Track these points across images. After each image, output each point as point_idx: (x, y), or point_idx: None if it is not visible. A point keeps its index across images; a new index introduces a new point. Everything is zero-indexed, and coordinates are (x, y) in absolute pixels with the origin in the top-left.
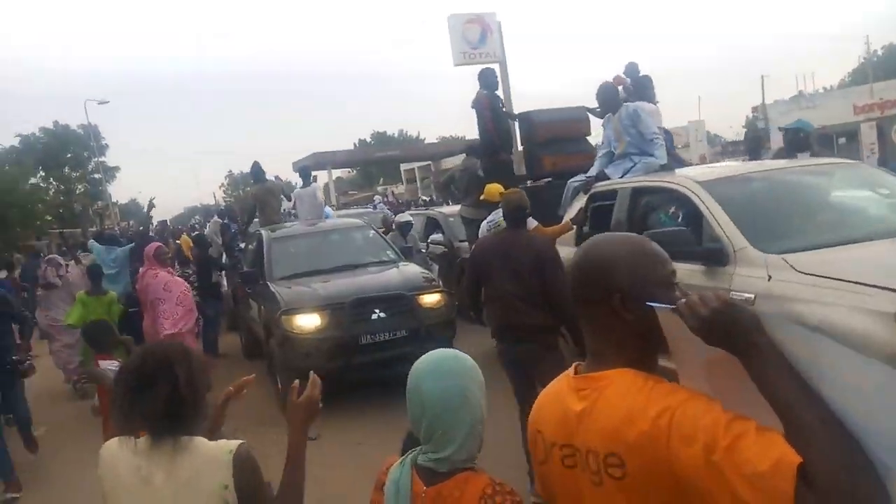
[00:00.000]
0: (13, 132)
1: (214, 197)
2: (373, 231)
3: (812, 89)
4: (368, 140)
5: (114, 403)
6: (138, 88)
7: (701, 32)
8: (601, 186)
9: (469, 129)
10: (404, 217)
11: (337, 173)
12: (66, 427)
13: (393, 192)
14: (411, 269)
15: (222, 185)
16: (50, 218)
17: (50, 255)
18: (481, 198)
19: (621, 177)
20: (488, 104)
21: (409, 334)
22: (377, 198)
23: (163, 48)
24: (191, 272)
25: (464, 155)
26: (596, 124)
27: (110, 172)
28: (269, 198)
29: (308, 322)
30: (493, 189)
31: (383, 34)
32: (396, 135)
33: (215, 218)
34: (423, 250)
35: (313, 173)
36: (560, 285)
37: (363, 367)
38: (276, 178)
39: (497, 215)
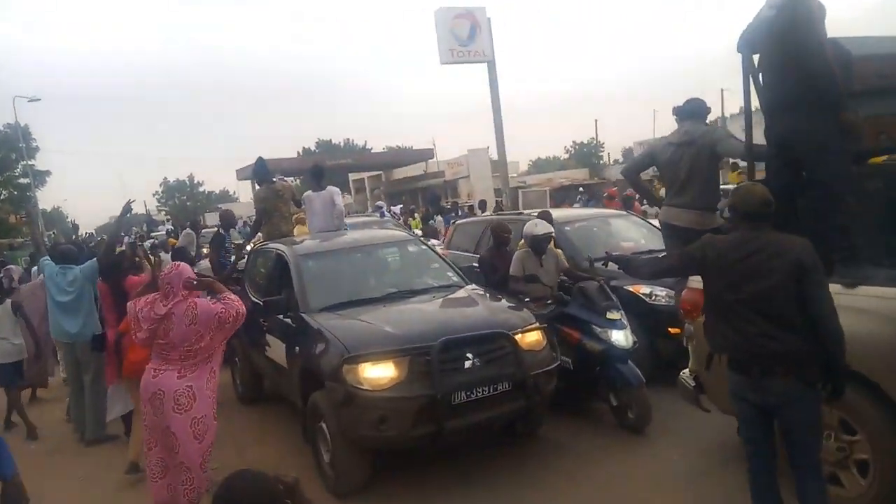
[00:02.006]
0: None
1: (146, 206)
2: (424, 245)
3: None
4: (313, 149)
5: None
6: (63, 87)
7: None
8: None
9: (418, 138)
10: (541, 228)
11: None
12: None
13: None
14: (490, 296)
15: (156, 192)
16: None
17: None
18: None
19: None
20: (818, 20)
21: (513, 388)
22: (381, 204)
23: (93, 46)
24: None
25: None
26: None
27: (40, 177)
28: (278, 203)
29: (382, 373)
30: None
31: (324, 39)
32: (342, 144)
33: (187, 229)
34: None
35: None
36: (826, 301)
37: (457, 433)
38: (281, 178)
39: None
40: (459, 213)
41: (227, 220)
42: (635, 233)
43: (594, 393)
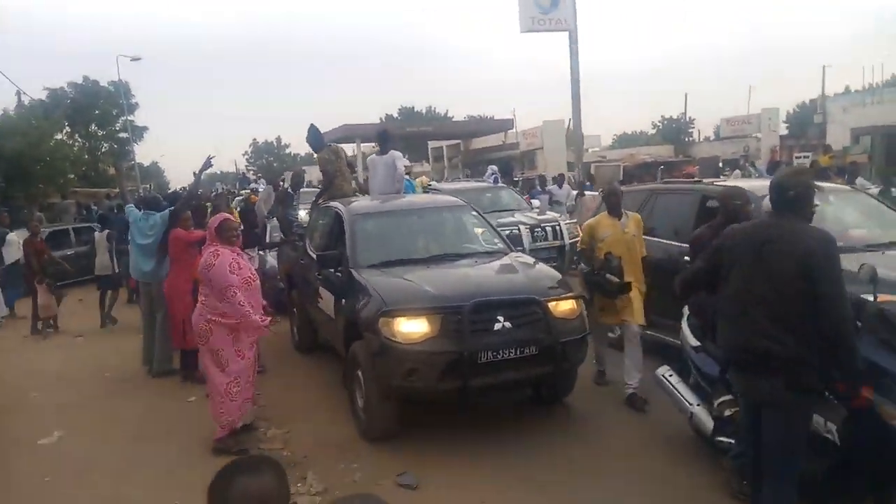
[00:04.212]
0: (42, 86)
1: (235, 165)
2: (474, 212)
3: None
4: (395, 115)
5: None
6: (162, 48)
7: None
8: None
9: (500, 107)
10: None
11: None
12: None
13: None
14: (531, 264)
15: (245, 152)
16: (73, 176)
17: None
18: None
19: None
20: None
21: (541, 353)
22: (494, 168)
23: (191, 8)
24: None
25: None
26: None
27: (138, 132)
28: (339, 163)
29: (415, 328)
30: None
31: (413, 5)
32: (424, 111)
33: (266, 185)
34: None
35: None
36: (835, 301)
37: (481, 391)
38: (331, 145)
39: None
40: (562, 186)
41: (297, 181)
42: (864, 216)
43: (881, 488)
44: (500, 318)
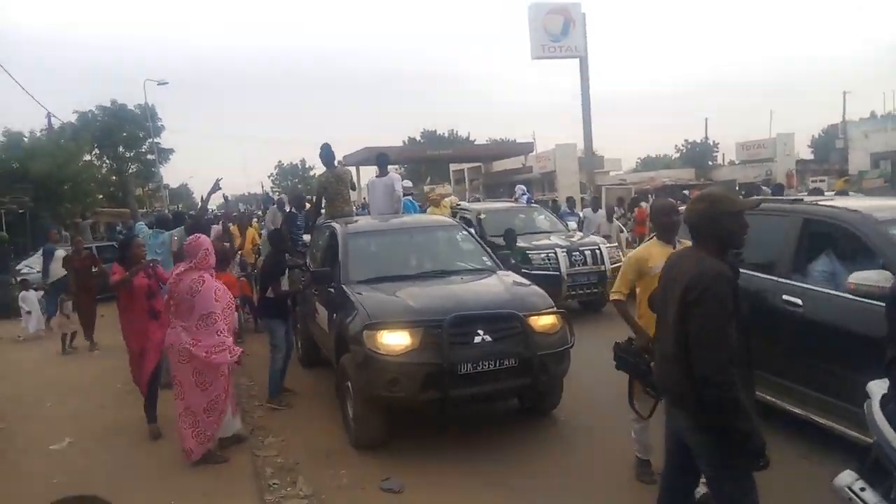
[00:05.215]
0: (72, 108)
1: (262, 186)
2: (465, 231)
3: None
4: (418, 138)
5: None
6: (194, 72)
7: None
8: None
9: (524, 130)
10: None
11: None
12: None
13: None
14: (517, 281)
15: (271, 174)
16: (101, 196)
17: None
18: None
19: None
20: None
21: (520, 365)
22: (520, 188)
23: (220, 33)
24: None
25: None
26: None
27: (164, 154)
28: (339, 186)
29: (397, 340)
30: None
31: (439, 33)
32: (446, 134)
33: (273, 206)
34: None
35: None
36: (699, 340)
37: (460, 401)
38: (340, 163)
39: None
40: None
41: (297, 202)
42: None
43: None
44: (480, 332)
